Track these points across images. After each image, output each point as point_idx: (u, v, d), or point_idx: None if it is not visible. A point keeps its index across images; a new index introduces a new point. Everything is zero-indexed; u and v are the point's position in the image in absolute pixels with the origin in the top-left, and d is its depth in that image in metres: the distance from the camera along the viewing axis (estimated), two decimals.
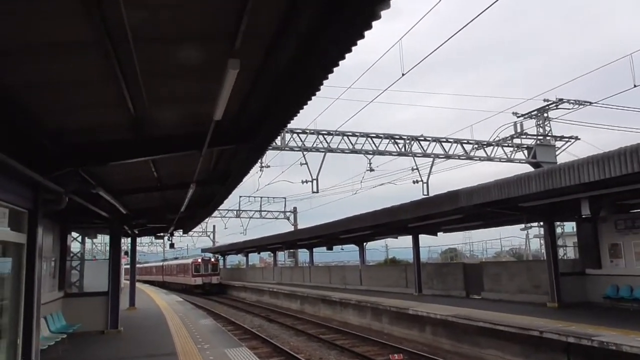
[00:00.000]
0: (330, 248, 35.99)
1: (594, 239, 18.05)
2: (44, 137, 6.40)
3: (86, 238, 18.49)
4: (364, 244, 33.30)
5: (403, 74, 14.52)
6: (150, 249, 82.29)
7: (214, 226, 62.35)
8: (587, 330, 12.35)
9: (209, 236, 62.02)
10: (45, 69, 4.54)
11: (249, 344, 18.50)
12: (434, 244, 56.31)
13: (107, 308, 14.30)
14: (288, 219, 46.51)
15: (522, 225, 39.45)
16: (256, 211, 45.38)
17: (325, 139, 21.80)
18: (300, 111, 6.26)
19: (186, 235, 58.51)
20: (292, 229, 44.20)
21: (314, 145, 21.44)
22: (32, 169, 6.20)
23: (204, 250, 61.26)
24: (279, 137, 20.25)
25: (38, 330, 6.32)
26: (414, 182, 22.72)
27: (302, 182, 21.39)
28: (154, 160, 8.76)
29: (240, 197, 44.42)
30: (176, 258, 64.54)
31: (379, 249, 53.94)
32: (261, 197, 44.44)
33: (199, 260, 49.08)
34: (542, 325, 13.52)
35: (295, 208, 46.85)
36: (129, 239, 24.12)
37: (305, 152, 21.07)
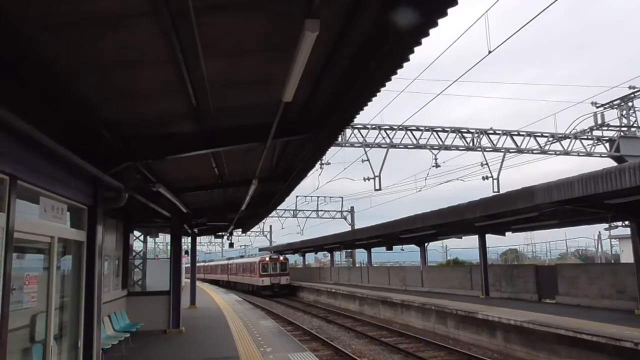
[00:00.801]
0: (390, 248, 35.01)
1: None
2: (102, 129, 6.06)
3: (148, 237, 18.62)
4: (426, 244, 32.09)
5: (490, 51, 13.46)
6: (209, 248, 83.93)
7: (270, 226, 62.76)
8: None
9: (265, 236, 62.49)
10: (101, 47, 4.10)
11: (310, 346, 18.07)
12: (492, 245, 53.82)
13: (168, 307, 14.18)
14: (345, 218, 45.87)
15: (605, 225, 36.94)
16: (313, 211, 45.08)
17: (387, 134, 20.94)
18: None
19: (244, 235, 59.39)
20: (348, 228, 43.57)
21: (376, 141, 20.59)
22: (92, 163, 5.85)
23: (261, 250, 61.67)
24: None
25: (99, 331, 6.00)
26: (483, 178, 21.40)
27: (364, 179, 20.64)
28: (215, 155, 8.34)
29: (297, 196, 44.30)
30: (242, 256, 61.43)
31: (437, 249, 52.37)
32: (318, 197, 44.14)
33: (267, 258, 44.42)
34: (635, 335, 12.17)
35: (352, 207, 46.16)
36: (189, 238, 24.23)
37: (367, 149, 20.29)
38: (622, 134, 22.06)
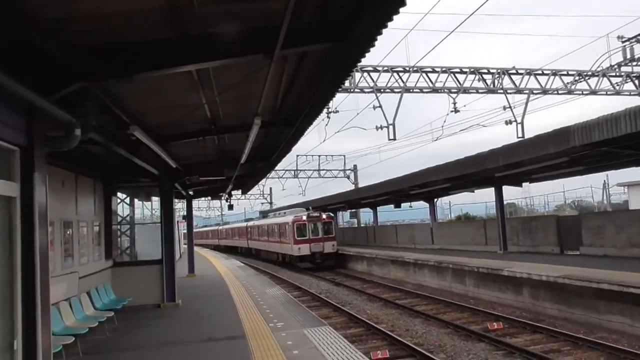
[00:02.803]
0: (398, 206, 33.43)
1: None
2: (39, 34, 4.16)
3: (137, 200, 16.85)
4: (435, 200, 30.51)
5: None
6: (208, 213, 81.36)
7: (270, 188, 60.77)
8: None
9: (266, 198, 60.67)
10: None
11: (320, 313, 16.65)
12: (488, 200, 52.70)
13: (162, 278, 12.54)
14: (348, 177, 44.12)
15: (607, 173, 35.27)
16: (315, 170, 43.10)
17: (400, 77, 18.87)
18: None
19: (244, 197, 57.40)
20: (351, 187, 41.89)
21: (389, 85, 18.54)
22: (23, 83, 3.98)
23: (262, 213, 58.82)
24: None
25: (47, 324, 4.26)
26: (506, 122, 19.52)
27: (377, 128, 18.71)
28: (203, 84, 6.43)
29: (298, 156, 42.07)
30: (265, 216, 47.19)
31: (441, 206, 51.09)
32: (319, 156, 42.12)
33: (304, 217, 32.65)
34: None
35: (355, 166, 44.30)
36: (184, 203, 22.50)
37: (378, 94, 18.30)
38: None
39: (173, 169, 11.63)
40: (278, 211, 42.78)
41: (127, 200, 14.99)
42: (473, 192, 27.14)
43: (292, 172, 43.41)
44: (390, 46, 17.41)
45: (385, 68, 18.81)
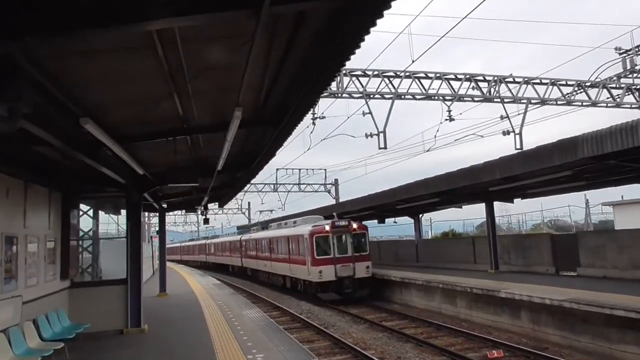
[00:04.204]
0: (382, 221, 32.23)
1: None
2: None
3: (104, 214, 15.29)
4: (421, 215, 29.45)
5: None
6: (184, 228, 78.75)
7: (249, 202, 58.98)
8: None
9: (244, 213, 58.83)
10: None
11: (301, 335, 15.30)
12: (466, 217, 52.20)
13: (126, 300, 11.00)
14: (329, 192, 42.86)
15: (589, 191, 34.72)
16: (295, 184, 41.72)
17: (391, 82, 17.76)
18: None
19: (221, 212, 55.45)
20: (332, 202, 40.64)
21: (379, 90, 17.40)
22: None
23: (239, 228, 56.49)
24: (334, 82, 16.49)
25: None
26: (503, 133, 18.53)
27: (366, 135, 17.51)
28: (173, 67, 5.13)
29: (278, 169, 40.65)
30: (266, 227, 36.03)
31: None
32: (300, 170, 40.75)
33: (326, 227, 23.19)
34: None
35: (336, 180, 43.11)
36: (156, 218, 20.91)
37: (368, 99, 17.14)
38: None
39: (141, 177, 10.21)
40: (285, 220, 32.06)
41: (91, 212, 13.43)
42: (461, 207, 26.18)
43: (272, 186, 42.00)
44: (386, 50, 16.38)
45: (376, 72, 17.69)
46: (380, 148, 16.76)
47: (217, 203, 25.20)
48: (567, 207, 54.85)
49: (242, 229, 48.00)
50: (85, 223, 13.27)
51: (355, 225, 23.44)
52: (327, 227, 23.06)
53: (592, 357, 12.12)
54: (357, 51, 4.97)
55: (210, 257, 51.49)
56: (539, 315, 14.40)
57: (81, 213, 12.55)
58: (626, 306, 11.45)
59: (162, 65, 4.93)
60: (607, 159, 12.24)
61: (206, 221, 28.93)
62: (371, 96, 17.60)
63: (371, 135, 17.12)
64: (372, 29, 4.42)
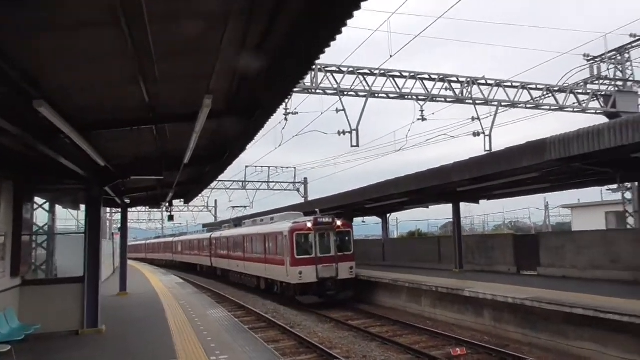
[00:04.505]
0: (350, 221, 32.17)
1: None
2: None
3: (62, 208, 14.64)
4: (388, 215, 29.60)
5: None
6: (148, 225, 76.65)
7: (215, 200, 58.01)
8: None
9: (210, 211, 57.86)
10: None
11: (266, 335, 15.07)
12: (432, 218, 53.12)
13: (82, 299, 10.51)
14: (298, 190, 42.62)
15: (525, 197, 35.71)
16: (264, 182, 41.24)
17: (365, 80, 17.69)
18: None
19: (186, 209, 54.35)
20: (301, 201, 40.44)
21: (353, 87, 17.29)
22: None
23: (206, 226, 55.37)
24: (307, 76, 16.28)
25: None
26: (474, 134, 18.76)
27: (339, 133, 17.34)
28: (138, 42, 4.80)
29: (247, 166, 40.10)
30: (238, 225, 34.61)
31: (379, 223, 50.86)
32: (269, 167, 40.34)
33: (308, 224, 21.48)
34: None
35: (305, 179, 42.88)
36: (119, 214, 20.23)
37: (341, 96, 16.98)
38: (617, 88, 20.08)
39: (102, 169, 9.76)
40: (261, 217, 30.02)
41: (47, 206, 12.79)
42: (427, 207, 26.45)
43: (240, 184, 41.43)
44: (364, 47, 16.31)
45: (351, 69, 17.59)
46: (352, 146, 16.69)
47: (182, 199, 24.59)
48: (527, 209, 56.40)
49: (211, 227, 45.72)
50: (41, 217, 12.65)
51: (339, 223, 21.72)
52: (309, 224, 21.29)
53: (551, 354, 12.33)
54: (333, 46, 4.83)
55: (177, 255, 48.90)
56: (501, 314, 14.61)
57: (36, 206, 11.94)
58: (584, 305, 11.72)
59: (127, 45, 4.61)
60: (573, 162, 12.53)
61: (171, 218, 27.91)
62: (345, 93, 17.49)
63: (344, 132, 17.00)
64: (349, 25, 4.29)
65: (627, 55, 20.29)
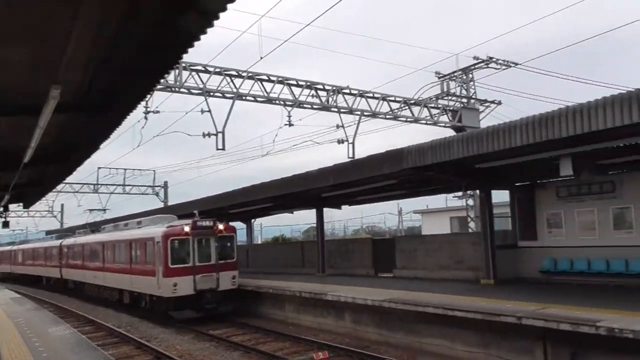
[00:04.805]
0: None
1: (530, 208, 16.39)
2: None
3: None
4: (253, 220, 29.35)
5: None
6: None
7: (62, 204, 52.46)
8: (573, 313, 10.14)
9: (55, 216, 52.18)
10: None
11: (120, 351, 13.91)
12: (295, 223, 54.44)
13: None
14: (157, 194, 40.34)
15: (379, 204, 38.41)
16: (119, 185, 38.20)
17: (233, 81, 17.19)
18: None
19: (25, 214, 48.39)
20: (161, 205, 38.34)
21: (220, 88, 16.67)
22: None
23: (49, 233, 49.44)
24: (171, 73, 15.40)
25: None
26: (338, 141, 19.33)
27: (204, 135, 16.59)
28: None
29: (100, 168, 36.69)
30: (95, 230, 31.22)
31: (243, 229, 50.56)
32: (125, 169, 37.47)
33: (186, 227, 18.89)
34: (499, 308, 11.23)
35: (166, 182, 40.73)
36: None
37: (207, 96, 16.28)
38: (462, 105, 22.32)
39: None
40: (126, 221, 26.43)
41: None
42: (292, 213, 26.74)
43: (92, 187, 37.94)
44: (233, 49, 15.82)
45: (218, 69, 17.03)
46: (218, 149, 16.12)
47: (21, 204, 21.74)
48: (383, 215, 60.11)
49: (60, 233, 40.33)
50: None
51: (222, 226, 19.47)
52: (187, 229, 18.56)
53: (405, 351, 13.05)
54: (199, 45, 4.52)
55: (17, 267, 42.29)
56: (360, 316, 15.17)
57: None
58: (435, 303, 12.63)
59: None
60: (427, 170, 13.50)
61: (5, 224, 24.01)
62: (211, 94, 16.85)
63: (209, 135, 16.37)
64: (217, 25, 4.03)
65: (471, 75, 22.77)
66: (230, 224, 20.66)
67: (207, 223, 19.30)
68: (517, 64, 21.12)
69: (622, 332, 8.62)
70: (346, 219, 59.95)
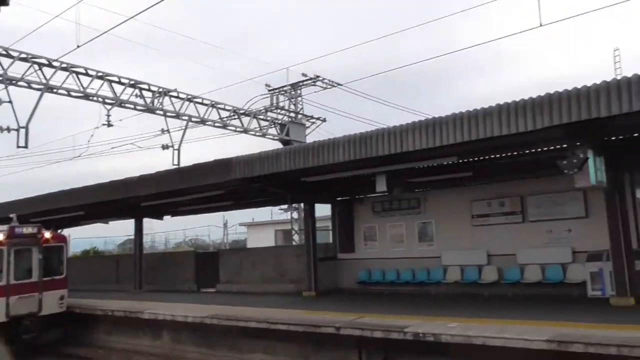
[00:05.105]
0: None
1: (349, 222, 17.39)
2: None
3: None
4: (59, 231, 26.05)
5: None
6: None
7: None
8: (385, 321, 10.87)
9: None
10: None
11: None
12: (109, 235, 50.65)
13: None
14: None
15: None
16: None
17: (42, 70, 14.77)
18: None
19: None
20: None
21: (25, 77, 14.14)
22: None
23: None
24: None
25: None
26: (163, 147, 18.01)
27: (2, 129, 13.87)
28: None
29: None
30: None
31: None
32: None
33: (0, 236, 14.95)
34: (320, 319, 11.58)
35: None
36: None
37: (9, 84, 13.72)
38: (290, 119, 22.79)
39: None
40: None
41: None
42: (107, 223, 24.50)
43: None
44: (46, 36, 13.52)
45: (23, 55, 14.51)
46: (19, 147, 13.75)
47: None
48: (207, 227, 58.70)
49: None
50: None
51: (48, 235, 16.15)
52: (1, 236, 15.02)
53: None
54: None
55: None
56: (179, 334, 14.37)
57: None
58: (258, 318, 12.49)
59: None
60: (255, 182, 13.41)
61: None
62: (14, 82, 14.27)
63: (8, 129, 13.98)
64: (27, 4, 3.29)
65: (299, 91, 23.56)
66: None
67: (29, 230, 15.86)
68: (340, 84, 22.54)
69: (425, 335, 9.43)
70: (168, 231, 57.05)
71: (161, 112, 17.51)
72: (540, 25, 11.84)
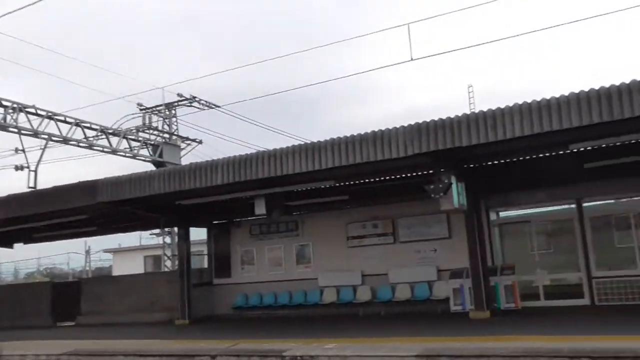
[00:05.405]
0: None
1: (226, 246, 17.00)
2: None
3: None
4: None
5: None
6: None
7: None
8: (262, 346, 10.68)
9: None
10: None
11: None
12: None
13: None
14: None
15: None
16: None
17: None
18: None
19: None
20: None
21: None
22: None
23: None
24: None
25: None
26: (16, 168, 15.87)
27: None
28: None
29: None
30: None
31: None
32: None
33: None
34: (194, 348, 11.03)
35: None
36: None
37: None
38: (164, 140, 21.67)
39: None
40: None
41: None
42: None
43: None
44: None
45: None
46: None
47: None
48: (67, 254, 53.86)
49: None
50: None
51: None
52: None
53: None
54: None
55: None
56: None
57: None
58: (125, 351, 11.50)
59: None
60: (124, 205, 12.50)
61: None
62: None
63: None
64: None
65: (174, 111, 22.70)
66: None
67: None
68: (218, 106, 22.15)
69: (303, 358, 9.41)
70: (17, 260, 51.16)
71: (15, 130, 15.61)
72: (412, 60, 12.76)
